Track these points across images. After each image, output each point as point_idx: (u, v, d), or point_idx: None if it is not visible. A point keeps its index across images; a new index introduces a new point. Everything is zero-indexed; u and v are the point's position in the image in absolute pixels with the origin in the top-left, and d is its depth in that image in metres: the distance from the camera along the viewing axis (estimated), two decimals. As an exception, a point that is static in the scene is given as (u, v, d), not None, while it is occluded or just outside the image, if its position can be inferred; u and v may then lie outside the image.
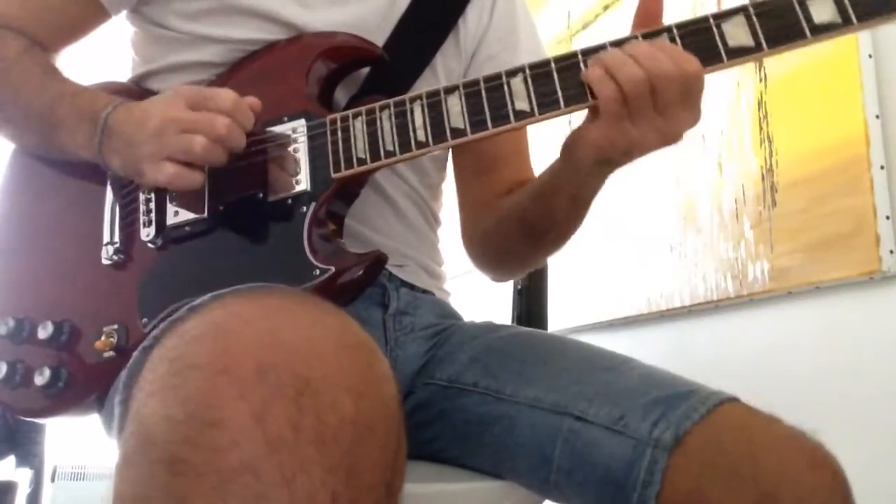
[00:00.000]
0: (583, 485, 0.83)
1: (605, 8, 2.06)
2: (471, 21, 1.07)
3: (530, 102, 0.80)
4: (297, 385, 0.49)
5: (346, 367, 0.52)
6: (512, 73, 0.81)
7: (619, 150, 0.81)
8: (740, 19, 0.77)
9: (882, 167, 1.33)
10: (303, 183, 0.86)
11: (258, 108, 0.86)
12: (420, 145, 0.83)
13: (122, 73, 1.05)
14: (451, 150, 1.13)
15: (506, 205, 1.03)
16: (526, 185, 1.06)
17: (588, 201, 0.92)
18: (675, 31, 0.78)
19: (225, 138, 0.81)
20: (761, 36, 0.77)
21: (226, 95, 0.83)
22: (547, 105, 0.80)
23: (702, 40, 0.78)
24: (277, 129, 0.88)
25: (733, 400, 0.81)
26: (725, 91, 1.65)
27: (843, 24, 0.75)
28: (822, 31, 0.75)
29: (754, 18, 0.77)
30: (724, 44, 0.77)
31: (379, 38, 0.98)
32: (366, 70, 0.97)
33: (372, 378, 0.53)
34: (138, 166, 0.84)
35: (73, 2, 0.99)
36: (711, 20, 0.78)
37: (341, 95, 0.96)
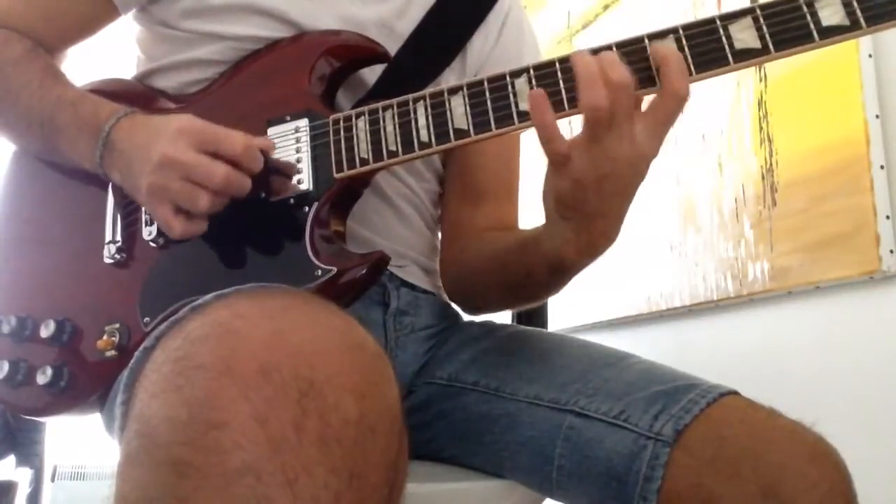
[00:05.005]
0: (584, 481, 0.83)
1: (605, 8, 2.06)
2: (476, 45, 1.06)
3: None
4: (300, 386, 0.49)
5: (350, 368, 0.52)
6: (516, 74, 0.80)
7: (569, 184, 0.77)
8: (748, 21, 0.76)
9: (882, 167, 1.33)
10: (305, 183, 0.86)
11: (271, 149, 0.85)
12: (423, 146, 0.83)
13: (126, 70, 1.05)
14: (444, 166, 1.11)
15: (488, 244, 1.02)
16: (510, 231, 1.06)
17: (565, 275, 0.89)
18: (681, 32, 0.77)
19: (223, 190, 0.81)
20: (769, 38, 0.75)
21: (235, 140, 0.81)
22: (552, 107, 0.79)
23: (708, 42, 0.76)
24: (280, 128, 0.88)
25: (734, 393, 0.82)
26: (725, 91, 1.65)
27: (851, 28, 0.73)
28: (830, 33, 0.74)
29: (762, 20, 0.75)
30: (731, 46, 0.76)
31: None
32: (369, 83, 0.97)
33: (375, 379, 0.53)
34: (138, 193, 0.85)
35: (82, 0, 0.99)
36: (718, 22, 0.76)
37: (345, 103, 0.96)
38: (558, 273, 0.88)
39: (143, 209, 0.90)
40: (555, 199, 0.79)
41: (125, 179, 0.87)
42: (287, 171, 0.86)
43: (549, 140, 0.76)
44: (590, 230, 0.80)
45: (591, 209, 0.78)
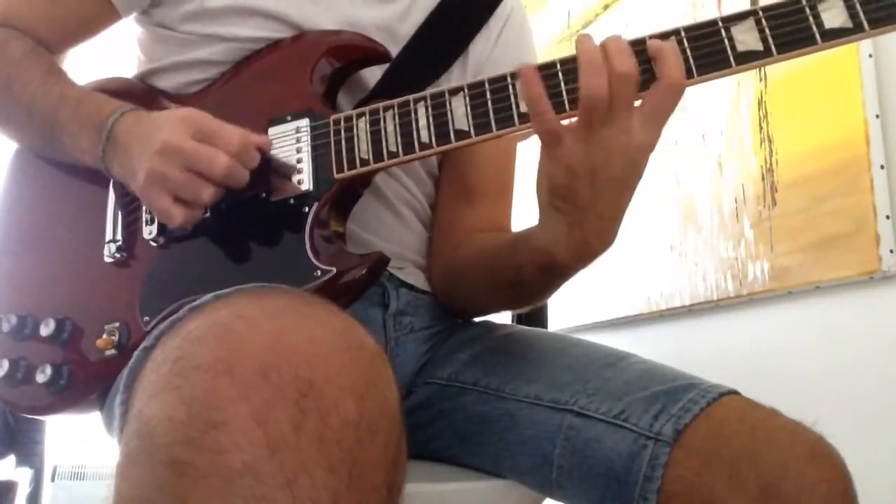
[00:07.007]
0: (584, 481, 0.83)
1: (605, 7, 2.06)
2: (478, 47, 1.06)
3: None
4: (299, 386, 0.49)
5: (349, 368, 0.52)
6: (517, 75, 0.80)
7: (563, 169, 0.76)
8: (750, 23, 0.75)
9: (882, 167, 1.33)
10: (305, 183, 0.86)
11: (268, 147, 0.85)
12: (424, 147, 0.82)
13: (126, 70, 1.05)
14: (438, 165, 1.11)
15: (479, 244, 1.01)
16: (502, 232, 1.05)
17: (555, 277, 0.88)
18: (682, 34, 0.76)
19: (224, 181, 0.81)
20: (771, 41, 0.74)
21: (233, 134, 0.81)
22: (552, 107, 0.79)
23: (710, 44, 0.76)
24: (281, 127, 0.88)
25: (734, 393, 0.82)
26: (725, 91, 1.65)
27: (854, 30, 0.73)
28: (833, 36, 0.73)
29: (764, 23, 0.75)
30: (733, 48, 0.75)
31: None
32: (370, 83, 0.97)
33: (374, 380, 0.53)
34: (135, 182, 0.84)
35: (83, 3, 0.99)
36: (720, 24, 0.76)
37: (346, 104, 0.96)
38: (548, 273, 0.87)
39: (144, 208, 0.90)
40: (548, 188, 0.79)
41: (124, 169, 0.86)
42: (286, 171, 0.86)
43: (539, 114, 0.75)
44: (583, 227, 0.79)
45: (584, 202, 0.77)
